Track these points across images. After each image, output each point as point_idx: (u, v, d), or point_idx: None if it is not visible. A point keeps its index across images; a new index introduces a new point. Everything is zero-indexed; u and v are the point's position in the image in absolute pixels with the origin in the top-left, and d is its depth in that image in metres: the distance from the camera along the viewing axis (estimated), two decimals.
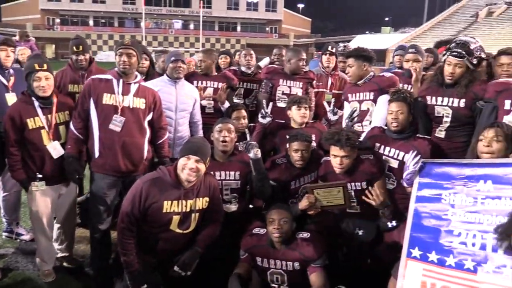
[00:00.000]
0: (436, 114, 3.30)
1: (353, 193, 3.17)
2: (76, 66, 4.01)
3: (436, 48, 4.68)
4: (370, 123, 3.69)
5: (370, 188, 3.04)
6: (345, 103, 4.00)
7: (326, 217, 3.23)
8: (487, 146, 2.60)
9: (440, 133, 3.30)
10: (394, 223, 3.08)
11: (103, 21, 57.02)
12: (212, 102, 4.44)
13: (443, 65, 3.25)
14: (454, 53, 3.14)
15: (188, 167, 2.85)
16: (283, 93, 4.41)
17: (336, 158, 3.08)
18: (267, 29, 60.88)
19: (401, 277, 2.58)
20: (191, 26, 57.50)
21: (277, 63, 5.35)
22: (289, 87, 4.46)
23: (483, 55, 3.21)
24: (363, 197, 3.04)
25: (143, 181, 2.93)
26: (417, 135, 3.20)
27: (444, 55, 3.30)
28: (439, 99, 3.27)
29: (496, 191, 2.47)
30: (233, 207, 3.45)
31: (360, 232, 3.22)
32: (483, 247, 2.41)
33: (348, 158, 3.07)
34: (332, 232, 3.23)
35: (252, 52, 5.09)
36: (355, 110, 3.61)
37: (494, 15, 42.15)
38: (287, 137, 3.47)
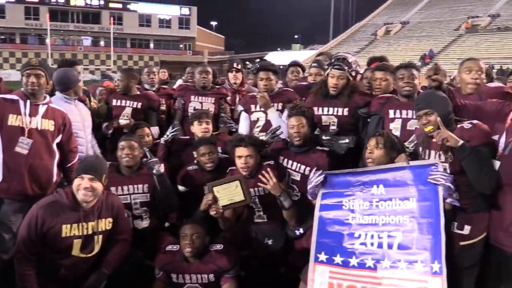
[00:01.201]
0: (323, 123, 3.59)
1: (257, 200, 3.29)
2: None
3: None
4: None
5: (263, 171, 3.09)
6: (243, 114, 4.10)
7: (235, 228, 3.33)
8: (369, 153, 2.90)
9: None
10: (301, 230, 3.23)
11: (3, 37, 52.81)
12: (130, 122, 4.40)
13: (327, 79, 3.57)
14: (336, 67, 3.49)
15: (82, 187, 2.81)
16: (194, 109, 4.48)
17: (241, 158, 3.20)
18: (181, 46, 60.58)
19: (310, 281, 2.74)
20: (102, 43, 55.36)
21: (190, 81, 5.42)
22: (201, 102, 4.55)
23: (358, 69, 3.64)
24: (260, 176, 3.10)
25: (38, 206, 2.83)
26: (317, 147, 3.40)
27: (326, 70, 3.64)
28: (325, 109, 3.58)
29: (387, 193, 2.76)
30: (144, 223, 3.45)
31: (270, 241, 3.33)
32: (380, 246, 2.66)
33: (251, 157, 3.20)
34: (243, 243, 3.31)
35: (155, 69, 5.16)
36: (279, 128, 3.74)
37: (391, 34, 46.06)
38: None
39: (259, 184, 3.15)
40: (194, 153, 3.74)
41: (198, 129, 3.85)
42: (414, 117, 3.10)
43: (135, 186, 3.41)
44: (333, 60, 3.59)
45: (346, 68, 3.49)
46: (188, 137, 4.08)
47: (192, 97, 4.58)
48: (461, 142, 2.54)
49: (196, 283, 3.02)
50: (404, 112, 3.32)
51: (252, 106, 4.02)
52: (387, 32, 46.66)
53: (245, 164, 3.20)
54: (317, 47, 50.48)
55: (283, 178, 3.32)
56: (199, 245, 2.99)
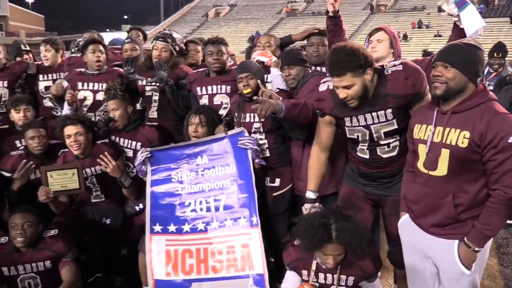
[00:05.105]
0: (146, 94, 3.65)
1: (94, 179, 3.28)
2: None
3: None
4: None
5: (101, 155, 3.14)
6: None
7: (69, 212, 3.31)
8: (194, 132, 3.15)
9: (153, 113, 3.69)
10: (141, 206, 3.32)
11: None
12: None
13: (152, 52, 3.64)
14: (161, 39, 3.61)
15: None
16: None
17: (70, 137, 3.14)
18: None
19: (148, 252, 2.93)
20: None
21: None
22: None
23: (183, 47, 3.81)
24: (98, 160, 3.14)
25: None
26: (147, 123, 3.52)
27: (152, 42, 3.70)
28: (149, 79, 3.57)
29: (210, 162, 3.11)
30: None
31: (108, 221, 3.37)
32: (208, 210, 3.00)
33: (81, 135, 3.15)
34: (79, 225, 3.29)
35: None
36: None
37: (221, 16, 47.65)
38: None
39: (97, 162, 3.15)
40: (17, 142, 3.56)
41: (17, 117, 3.60)
42: (220, 92, 3.43)
43: None
44: (159, 35, 3.68)
45: (169, 41, 3.61)
46: (7, 126, 3.75)
47: None
48: (280, 101, 2.89)
49: (31, 272, 2.93)
50: (209, 88, 3.48)
51: (79, 84, 3.78)
52: (217, 14, 48.12)
53: (75, 142, 3.14)
54: (148, 28, 49.26)
55: (120, 155, 3.36)
56: (32, 234, 2.89)
